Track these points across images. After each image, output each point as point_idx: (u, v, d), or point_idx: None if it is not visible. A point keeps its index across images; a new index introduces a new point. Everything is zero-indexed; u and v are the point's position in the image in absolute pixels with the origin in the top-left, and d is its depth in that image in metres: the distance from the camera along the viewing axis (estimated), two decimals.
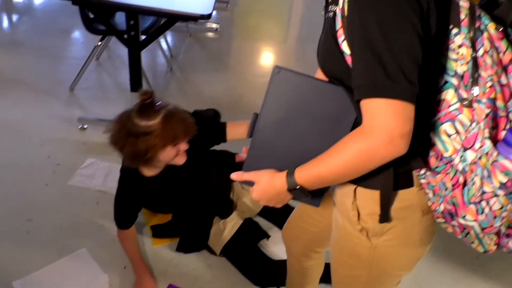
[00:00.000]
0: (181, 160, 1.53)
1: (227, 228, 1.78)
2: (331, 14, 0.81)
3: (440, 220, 0.86)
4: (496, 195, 0.71)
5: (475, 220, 0.76)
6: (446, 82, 0.78)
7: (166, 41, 3.40)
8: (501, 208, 0.73)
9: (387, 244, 0.91)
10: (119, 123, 1.45)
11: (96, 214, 1.93)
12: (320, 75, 1.01)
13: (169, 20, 2.19)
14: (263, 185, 0.89)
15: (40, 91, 2.75)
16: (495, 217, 0.74)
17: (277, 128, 0.89)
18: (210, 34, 3.85)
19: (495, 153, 0.69)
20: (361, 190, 0.89)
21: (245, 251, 1.78)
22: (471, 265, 1.91)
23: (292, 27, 4.49)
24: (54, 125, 2.46)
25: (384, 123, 0.71)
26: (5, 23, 3.73)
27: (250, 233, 1.86)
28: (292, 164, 0.85)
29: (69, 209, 1.94)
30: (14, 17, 3.78)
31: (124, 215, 1.66)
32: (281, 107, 0.88)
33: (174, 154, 1.49)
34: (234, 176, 0.94)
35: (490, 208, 0.73)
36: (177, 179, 1.65)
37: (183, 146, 1.50)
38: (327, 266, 1.42)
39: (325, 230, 1.17)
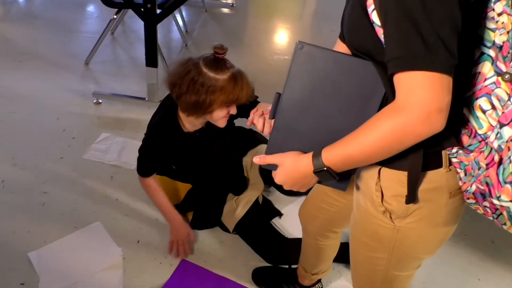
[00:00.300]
0: (223, 123, 1.52)
1: (240, 205, 1.77)
2: None
3: (471, 201, 0.82)
4: None
5: (510, 201, 0.71)
6: (482, 54, 0.73)
7: (181, 16, 3.36)
8: None
9: (410, 226, 0.88)
10: (184, 67, 1.41)
11: (111, 188, 1.94)
12: (340, 48, 0.97)
13: None
14: (287, 168, 0.85)
15: (55, 64, 2.74)
16: None
17: (301, 107, 0.85)
18: (225, 10, 3.79)
19: None
20: (386, 171, 0.86)
21: (258, 228, 1.78)
22: (487, 248, 1.89)
23: (308, 3, 4.39)
24: (69, 99, 2.46)
25: (421, 97, 0.66)
26: None
27: (263, 211, 1.85)
28: (317, 146, 0.80)
29: (84, 183, 1.95)
30: None
31: (148, 161, 1.66)
32: (305, 85, 0.83)
33: (223, 115, 1.48)
34: (257, 159, 0.90)
35: None
36: (208, 143, 1.66)
37: (233, 110, 1.49)
38: (342, 246, 1.42)
39: (343, 210, 1.15)
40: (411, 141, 0.71)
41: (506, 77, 0.70)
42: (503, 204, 0.73)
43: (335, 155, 0.79)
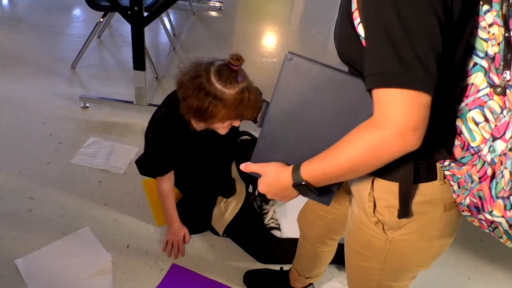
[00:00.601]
0: (224, 131, 1.49)
1: (229, 209, 1.76)
2: None
3: (466, 213, 0.81)
4: None
5: (502, 216, 0.70)
6: (475, 64, 0.71)
7: (169, 19, 3.34)
8: None
9: (403, 238, 0.87)
10: (195, 70, 1.35)
11: (99, 193, 1.91)
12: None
13: None
14: (269, 179, 0.86)
15: (41, 68, 2.70)
16: None
17: (288, 118, 0.84)
18: (213, 13, 3.79)
19: None
20: (379, 182, 0.85)
21: (249, 229, 1.77)
22: (476, 247, 1.91)
23: (296, 7, 4.41)
24: (56, 103, 2.43)
25: (396, 114, 0.65)
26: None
27: (253, 211, 1.84)
28: (302, 158, 0.79)
29: (71, 188, 1.92)
30: None
31: (156, 160, 1.63)
32: (293, 96, 0.82)
33: (224, 126, 1.45)
34: (242, 166, 0.91)
35: None
36: (212, 144, 1.64)
37: (236, 123, 1.45)
38: (339, 247, 1.41)
39: (341, 218, 1.15)
40: (386, 158, 0.70)
41: (498, 90, 0.68)
42: (495, 219, 0.72)
43: (313, 169, 0.78)
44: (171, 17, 3.46)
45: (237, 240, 1.76)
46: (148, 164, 1.66)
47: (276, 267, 1.67)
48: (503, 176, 0.68)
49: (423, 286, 1.69)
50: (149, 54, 2.74)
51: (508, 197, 0.68)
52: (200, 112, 1.36)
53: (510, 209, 0.69)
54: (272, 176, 0.85)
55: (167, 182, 1.70)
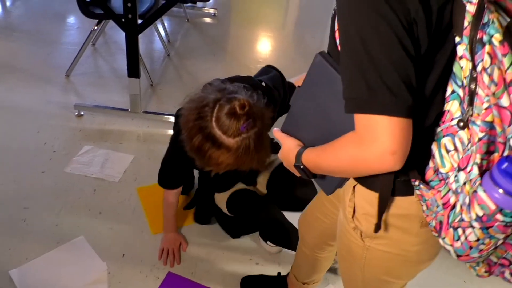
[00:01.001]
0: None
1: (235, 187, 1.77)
2: (333, 12, 0.78)
3: (434, 233, 0.80)
4: (472, 226, 0.66)
5: (451, 245, 0.71)
6: (453, 91, 0.71)
7: (163, 26, 3.35)
8: (477, 240, 0.67)
9: (380, 248, 0.88)
10: (199, 107, 1.20)
11: (94, 202, 1.90)
12: (299, 82, 1.03)
13: (167, 2, 2.14)
14: (283, 152, 0.95)
15: (35, 77, 2.70)
16: (470, 247, 0.69)
17: (309, 105, 0.92)
18: (208, 20, 3.79)
19: (477, 182, 0.64)
20: (360, 189, 0.86)
21: (250, 203, 1.73)
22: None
23: (290, 12, 4.42)
24: (50, 111, 2.42)
25: (373, 138, 0.66)
26: None
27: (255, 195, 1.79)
28: (316, 142, 0.85)
29: (66, 197, 1.91)
30: (8, 2, 3.70)
31: (169, 174, 1.60)
32: (315, 88, 0.89)
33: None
34: (274, 130, 1.01)
35: (466, 238, 0.68)
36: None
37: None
38: None
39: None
40: (366, 173, 0.72)
41: (461, 124, 0.68)
42: (446, 246, 0.73)
43: (311, 158, 0.84)
44: (166, 24, 3.46)
45: (238, 213, 1.73)
46: (161, 175, 1.62)
47: (274, 272, 1.66)
48: (461, 207, 0.68)
49: None
50: (143, 61, 2.74)
51: (457, 229, 0.69)
52: (199, 155, 1.24)
53: (457, 240, 0.70)
54: (285, 151, 0.94)
55: (175, 194, 1.66)
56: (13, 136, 2.21)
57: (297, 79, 1.49)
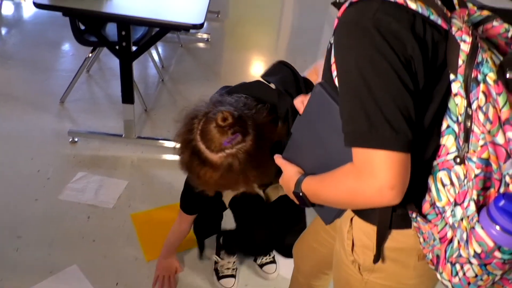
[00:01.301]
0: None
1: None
2: (329, 45, 0.78)
3: (431, 266, 0.80)
4: (470, 262, 0.67)
5: (449, 281, 0.71)
6: (448, 126, 0.72)
7: (157, 52, 3.38)
8: (475, 276, 0.67)
9: (378, 282, 0.87)
10: (189, 120, 1.12)
11: (87, 229, 1.88)
12: (312, 74, 1.03)
13: (160, 30, 2.18)
14: (284, 177, 0.94)
15: (30, 104, 2.70)
16: (469, 283, 0.69)
17: (310, 133, 0.92)
18: (201, 45, 3.84)
19: (475, 219, 0.64)
20: (357, 221, 0.86)
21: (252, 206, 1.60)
22: None
23: (282, 37, 4.49)
24: (44, 138, 2.42)
25: (371, 172, 0.66)
26: None
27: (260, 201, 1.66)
28: (315, 171, 0.85)
29: (60, 225, 1.89)
30: (3, 30, 3.74)
31: (188, 200, 1.51)
32: (315, 117, 0.89)
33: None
34: (275, 156, 0.99)
35: (464, 274, 0.68)
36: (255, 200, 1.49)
37: (241, 190, 1.23)
38: None
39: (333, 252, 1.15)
40: (365, 206, 0.71)
41: (458, 160, 0.69)
42: (444, 281, 0.73)
43: (310, 186, 0.83)
44: (159, 50, 3.50)
45: (238, 213, 1.63)
46: (182, 197, 1.53)
47: None
48: (458, 243, 0.68)
49: None
50: (137, 87, 2.76)
51: (455, 264, 0.69)
52: (190, 171, 1.14)
53: (455, 276, 0.70)
54: (285, 178, 0.93)
55: (188, 223, 1.59)
56: (6, 163, 2.20)
57: (309, 72, 1.35)
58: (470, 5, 0.75)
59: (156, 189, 2.15)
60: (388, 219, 0.79)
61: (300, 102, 0.96)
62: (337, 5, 0.77)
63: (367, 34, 0.65)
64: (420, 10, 0.66)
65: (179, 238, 1.66)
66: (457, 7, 0.73)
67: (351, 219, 0.87)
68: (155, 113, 2.78)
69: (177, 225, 1.62)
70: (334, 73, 0.75)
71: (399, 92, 0.65)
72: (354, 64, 0.66)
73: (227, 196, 1.63)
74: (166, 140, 2.44)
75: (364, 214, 0.83)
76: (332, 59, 0.74)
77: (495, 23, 0.73)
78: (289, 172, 0.92)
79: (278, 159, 0.98)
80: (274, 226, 1.55)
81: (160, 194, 2.11)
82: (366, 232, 0.84)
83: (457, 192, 0.70)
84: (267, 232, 1.58)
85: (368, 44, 0.65)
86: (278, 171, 1.00)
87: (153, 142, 2.45)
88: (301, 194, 0.85)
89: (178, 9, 2.09)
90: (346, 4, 0.71)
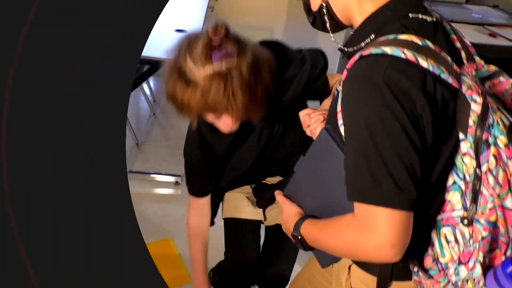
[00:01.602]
0: (224, 128, 1.10)
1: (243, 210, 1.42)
2: (335, 92, 0.78)
3: None
4: None
5: None
6: (454, 182, 0.71)
7: (148, 85, 3.42)
8: None
9: None
10: (178, 44, 1.01)
11: None
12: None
13: (152, 66, 2.22)
14: (283, 217, 0.93)
15: None
16: None
17: (312, 175, 0.92)
18: None
19: (481, 282, 0.65)
20: (356, 270, 0.85)
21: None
22: None
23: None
24: None
25: (373, 228, 0.65)
26: None
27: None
28: (315, 213, 0.86)
29: None
30: None
31: (197, 177, 1.29)
32: (319, 161, 0.89)
33: (214, 121, 1.08)
34: (276, 192, 0.97)
35: None
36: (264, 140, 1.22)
37: (228, 122, 1.06)
38: None
39: None
40: (364, 260, 0.72)
41: (465, 222, 0.69)
42: None
43: (309, 230, 0.82)
44: (151, 83, 3.54)
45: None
46: (187, 179, 1.33)
47: None
48: None
49: None
50: (128, 121, 2.78)
51: None
52: (174, 99, 1.02)
53: None
54: (285, 217, 0.92)
55: (206, 212, 1.34)
56: None
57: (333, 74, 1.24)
58: (477, 58, 0.76)
59: (147, 224, 2.14)
60: (389, 270, 0.78)
61: (307, 115, 0.95)
62: (345, 53, 0.78)
63: (377, 90, 0.65)
64: (431, 69, 0.65)
65: (202, 245, 1.36)
66: (465, 61, 0.73)
67: (349, 267, 0.86)
68: (147, 146, 2.79)
69: (189, 226, 1.35)
70: (340, 122, 0.74)
71: (406, 150, 0.65)
72: (363, 118, 0.66)
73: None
74: (157, 174, 2.44)
75: (364, 264, 0.82)
76: (339, 108, 0.74)
77: (501, 78, 0.75)
78: (289, 212, 0.91)
79: (279, 196, 0.96)
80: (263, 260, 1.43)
81: (152, 229, 2.09)
82: (365, 282, 0.83)
83: (461, 250, 0.69)
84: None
85: (378, 100, 0.65)
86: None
87: (145, 177, 2.45)
88: (299, 237, 0.84)
89: (169, 47, 2.13)
90: (357, 57, 0.70)
